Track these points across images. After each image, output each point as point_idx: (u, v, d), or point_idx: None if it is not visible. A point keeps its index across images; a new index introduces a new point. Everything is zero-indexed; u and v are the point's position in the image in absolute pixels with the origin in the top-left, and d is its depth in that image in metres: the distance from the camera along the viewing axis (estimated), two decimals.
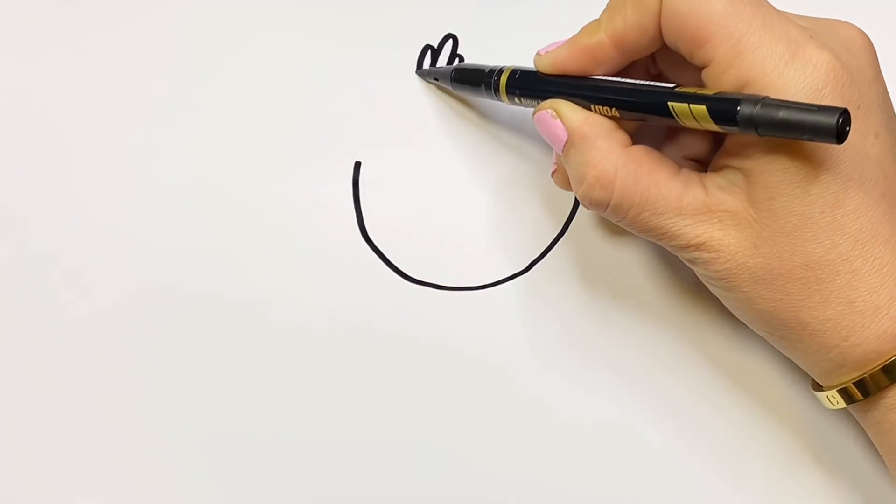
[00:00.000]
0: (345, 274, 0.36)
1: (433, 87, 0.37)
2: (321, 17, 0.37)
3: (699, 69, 0.29)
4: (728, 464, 0.36)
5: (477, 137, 0.37)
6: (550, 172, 0.34)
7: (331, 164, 0.37)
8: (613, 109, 0.30)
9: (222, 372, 0.36)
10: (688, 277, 0.36)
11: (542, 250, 0.37)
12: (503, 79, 0.33)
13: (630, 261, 0.36)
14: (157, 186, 0.36)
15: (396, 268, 0.36)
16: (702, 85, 0.29)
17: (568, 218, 0.37)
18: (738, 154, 0.29)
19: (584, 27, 0.31)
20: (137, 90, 0.37)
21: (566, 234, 0.37)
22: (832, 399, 0.31)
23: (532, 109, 0.32)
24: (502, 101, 0.34)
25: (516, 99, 0.33)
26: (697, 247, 0.29)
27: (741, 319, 0.31)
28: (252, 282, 0.36)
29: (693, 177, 0.30)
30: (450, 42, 0.37)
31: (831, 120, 0.24)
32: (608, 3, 0.30)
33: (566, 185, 0.32)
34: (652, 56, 0.32)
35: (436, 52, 0.37)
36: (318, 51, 0.37)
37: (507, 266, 0.36)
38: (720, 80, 0.28)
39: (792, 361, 0.32)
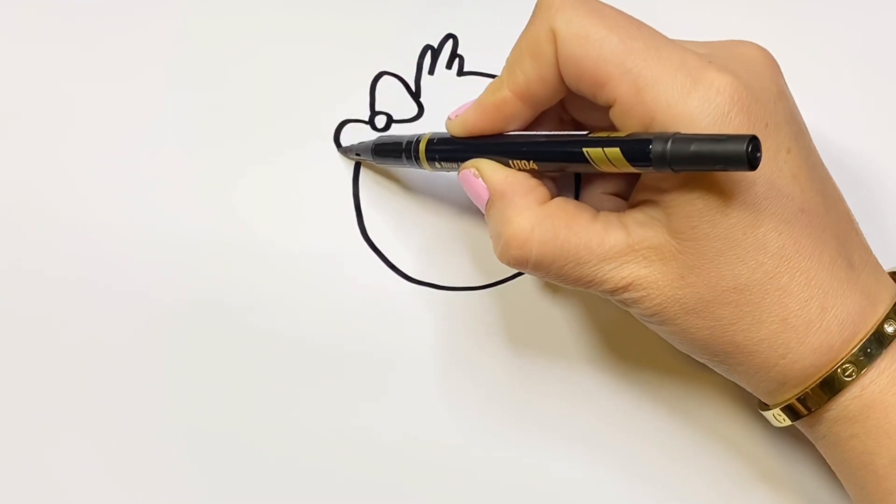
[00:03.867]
0: (344, 274, 0.36)
1: (432, 96, 0.37)
2: (322, 18, 0.37)
3: (608, 110, 0.28)
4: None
5: None
6: None
7: (330, 164, 0.37)
8: (531, 162, 0.30)
9: (221, 373, 0.36)
10: None
11: None
12: (422, 147, 0.33)
13: None
14: (155, 186, 0.36)
15: (396, 268, 0.36)
16: (613, 126, 0.28)
17: None
18: (654, 188, 0.28)
19: (487, 86, 0.31)
20: (135, 90, 0.37)
21: None
22: (778, 417, 0.31)
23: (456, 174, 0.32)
24: (425, 169, 0.34)
25: (437, 164, 0.33)
26: (625, 288, 0.29)
27: (682, 350, 0.31)
28: (252, 282, 0.36)
29: (612, 219, 0.30)
30: (450, 42, 0.37)
31: (741, 147, 0.24)
32: (507, 59, 0.30)
33: None
34: (562, 103, 0.32)
35: (436, 52, 0.37)
36: (317, 51, 0.37)
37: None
38: (627, 118, 0.27)
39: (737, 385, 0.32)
